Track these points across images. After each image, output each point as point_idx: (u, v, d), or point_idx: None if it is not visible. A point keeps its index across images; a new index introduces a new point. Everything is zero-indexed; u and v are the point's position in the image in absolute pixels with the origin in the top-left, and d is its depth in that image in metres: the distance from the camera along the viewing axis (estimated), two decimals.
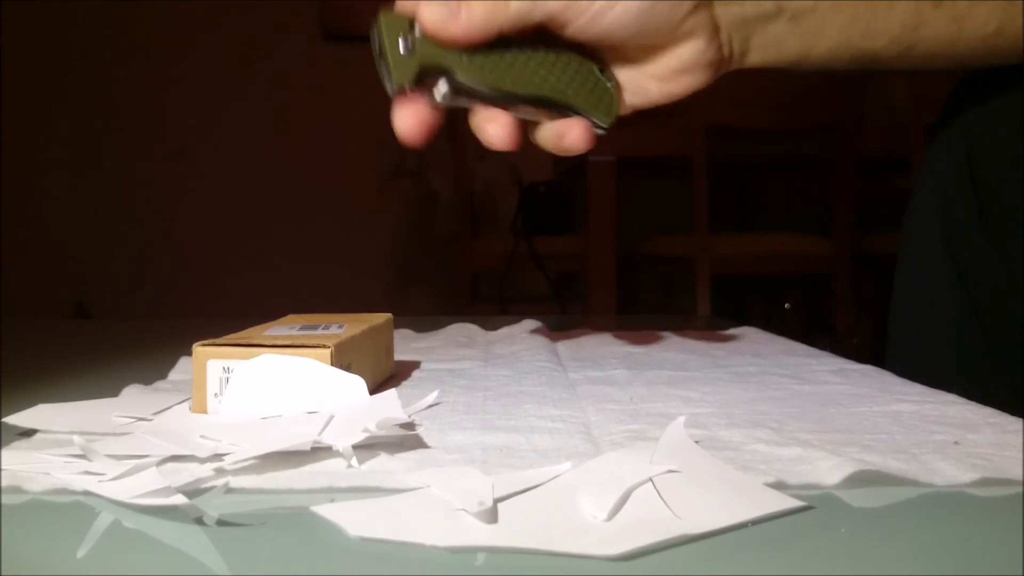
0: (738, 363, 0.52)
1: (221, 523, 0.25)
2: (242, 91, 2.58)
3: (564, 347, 0.58)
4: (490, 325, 0.67)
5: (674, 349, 0.57)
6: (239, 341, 0.39)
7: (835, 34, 0.45)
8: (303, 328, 0.42)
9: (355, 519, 0.24)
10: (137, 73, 2.56)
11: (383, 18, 0.41)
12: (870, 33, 0.45)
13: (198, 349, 0.38)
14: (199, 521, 0.25)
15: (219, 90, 2.58)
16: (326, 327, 0.43)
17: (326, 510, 0.25)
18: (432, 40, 0.40)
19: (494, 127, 0.42)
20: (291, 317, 0.48)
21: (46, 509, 0.27)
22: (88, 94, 2.55)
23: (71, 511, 0.27)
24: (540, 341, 0.58)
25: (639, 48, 0.44)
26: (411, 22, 0.41)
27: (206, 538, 0.24)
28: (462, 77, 0.41)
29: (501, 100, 0.42)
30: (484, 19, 0.40)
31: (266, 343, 0.38)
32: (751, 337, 0.63)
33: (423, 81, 0.41)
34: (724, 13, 0.44)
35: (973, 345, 0.53)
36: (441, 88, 0.41)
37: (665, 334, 0.63)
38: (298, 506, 0.27)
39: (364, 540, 0.24)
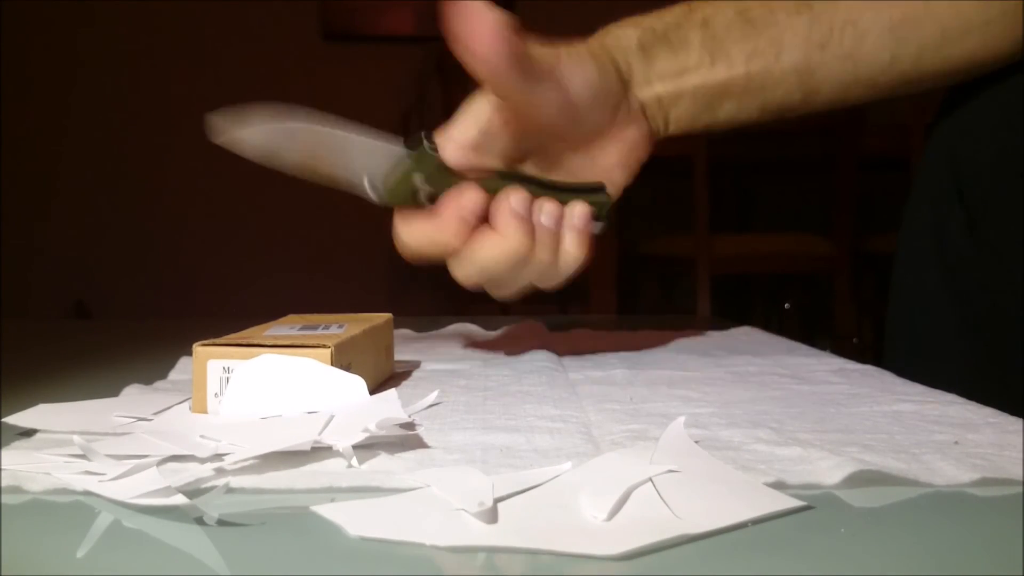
0: (738, 363, 0.52)
1: (221, 523, 0.25)
2: (242, 90, 2.58)
3: (564, 347, 0.58)
4: (490, 325, 0.67)
5: (674, 349, 0.57)
6: (239, 341, 0.39)
7: (736, 97, 0.48)
8: (303, 328, 0.42)
9: (355, 519, 0.24)
10: (136, 73, 2.56)
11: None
12: (768, 85, 0.48)
13: (198, 349, 0.38)
14: (199, 521, 0.25)
15: (219, 89, 2.58)
16: (326, 327, 0.43)
17: (326, 510, 0.25)
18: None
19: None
20: (291, 317, 0.48)
21: (46, 509, 0.27)
22: (87, 94, 2.55)
23: (71, 511, 0.26)
24: (540, 341, 0.58)
25: (602, 137, 0.47)
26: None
27: (206, 538, 0.24)
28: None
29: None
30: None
31: (266, 343, 0.38)
32: (751, 337, 0.63)
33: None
34: (644, 95, 0.47)
35: (967, 349, 0.53)
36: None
37: (665, 334, 0.63)
38: (298, 506, 0.27)
39: (364, 540, 0.24)
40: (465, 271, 0.44)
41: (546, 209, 0.44)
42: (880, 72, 0.48)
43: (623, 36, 0.47)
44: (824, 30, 0.47)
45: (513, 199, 0.43)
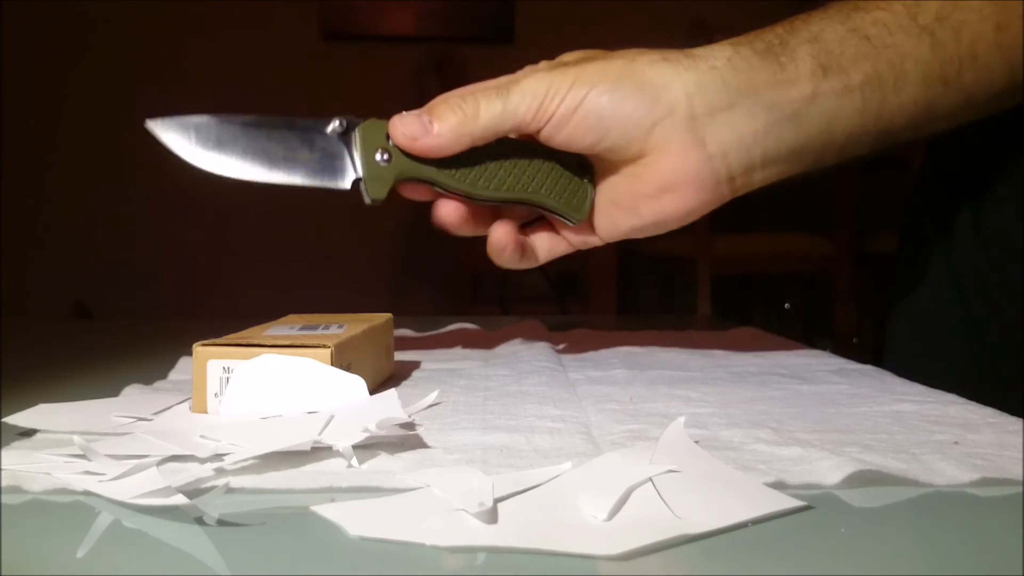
0: (738, 363, 0.52)
1: (221, 523, 0.25)
2: (242, 90, 2.58)
3: (564, 347, 0.58)
4: (490, 325, 0.67)
5: (674, 349, 0.57)
6: (239, 341, 0.39)
7: (847, 124, 0.42)
8: (303, 328, 0.42)
9: (355, 519, 0.24)
10: (137, 73, 2.55)
11: (361, 130, 0.43)
12: (884, 115, 0.43)
13: (198, 349, 0.38)
14: (199, 521, 0.25)
15: (219, 89, 2.58)
16: (326, 327, 0.43)
17: (326, 510, 0.25)
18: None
19: (447, 211, 0.45)
20: (291, 317, 0.48)
21: (46, 509, 0.27)
22: (87, 94, 2.55)
23: (71, 511, 0.27)
24: (540, 341, 0.58)
25: (619, 161, 0.44)
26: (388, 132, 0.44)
27: (206, 538, 0.24)
28: (439, 184, 0.44)
29: (476, 202, 0.45)
30: (454, 132, 0.42)
31: (266, 343, 0.38)
32: (751, 337, 0.63)
33: (400, 186, 0.44)
34: (712, 134, 0.42)
35: (969, 350, 0.53)
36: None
37: (665, 334, 0.63)
38: (298, 506, 0.27)
39: (364, 540, 0.24)
40: None
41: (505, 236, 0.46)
42: (987, 103, 0.44)
43: (710, 55, 0.42)
44: (947, 61, 0.42)
45: (497, 232, 0.45)
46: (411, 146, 0.42)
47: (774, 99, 0.41)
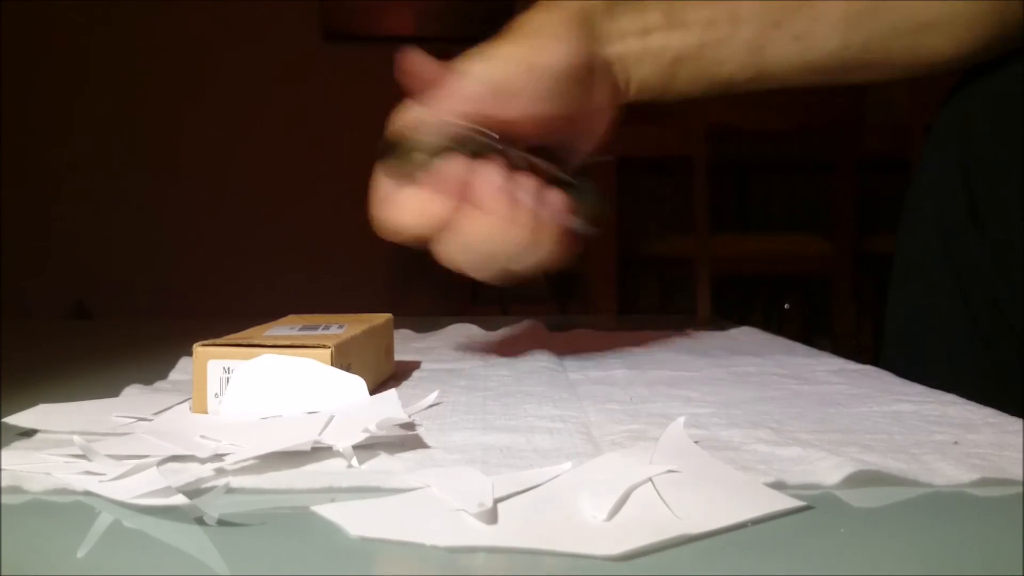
0: (738, 363, 0.52)
1: (221, 523, 0.25)
2: (241, 91, 2.58)
3: (564, 347, 0.58)
4: (490, 325, 0.67)
5: (674, 349, 0.57)
6: (239, 341, 0.39)
7: (690, 66, 0.49)
8: (303, 328, 0.42)
9: (355, 519, 0.24)
10: (136, 73, 2.55)
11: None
12: (720, 58, 0.49)
13: (198, 349, 0.38)
14: (199, 521, 0.25)
15: (218, 90, 2.58)
16: (326, 327, 0.43)
17: (326, 510, 0.25)
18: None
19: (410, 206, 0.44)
20: (291, 317, 0.48)
21: (46, 509, 0.27)
22: (87, 94, 2.55)
23: (71, 511, 0.27)
24: (540, 341, 0.58)
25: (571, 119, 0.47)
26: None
27: (206, 538, 0.24)
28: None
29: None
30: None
31: (266, 343, 0.38)
32: (751, 337, 0.63)
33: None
34: (611, 51, 0.47)
35: (969, 347, 0.53)
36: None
37: (665, 334, 0.63)
38: (298, 506, 0.27)
39: (364, 540, 0.24)
40: (448, 249, 0.43)
41: (524, 184, 0.44)
42: (827, 57, 0.49)
43: (592, 7, 0.47)
44: (779, 8, 0.48)
45: (493, 173, 0.43)
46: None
47: (639, 42, 0.48)
